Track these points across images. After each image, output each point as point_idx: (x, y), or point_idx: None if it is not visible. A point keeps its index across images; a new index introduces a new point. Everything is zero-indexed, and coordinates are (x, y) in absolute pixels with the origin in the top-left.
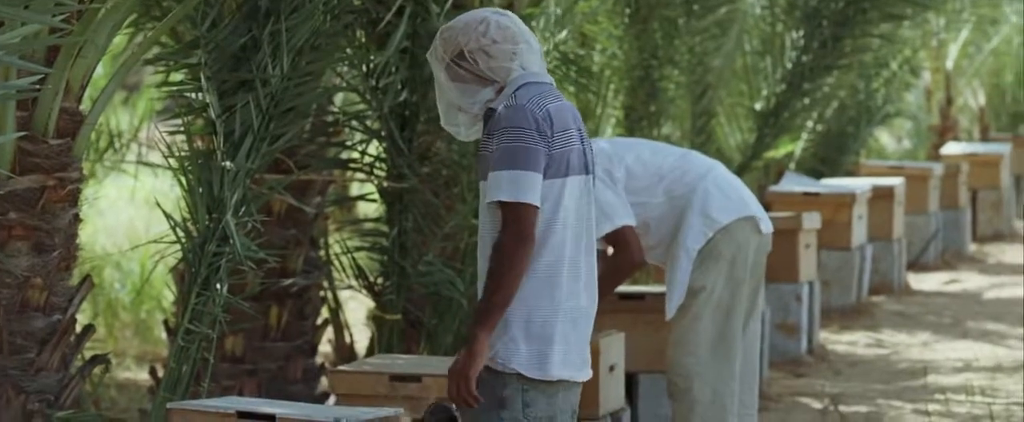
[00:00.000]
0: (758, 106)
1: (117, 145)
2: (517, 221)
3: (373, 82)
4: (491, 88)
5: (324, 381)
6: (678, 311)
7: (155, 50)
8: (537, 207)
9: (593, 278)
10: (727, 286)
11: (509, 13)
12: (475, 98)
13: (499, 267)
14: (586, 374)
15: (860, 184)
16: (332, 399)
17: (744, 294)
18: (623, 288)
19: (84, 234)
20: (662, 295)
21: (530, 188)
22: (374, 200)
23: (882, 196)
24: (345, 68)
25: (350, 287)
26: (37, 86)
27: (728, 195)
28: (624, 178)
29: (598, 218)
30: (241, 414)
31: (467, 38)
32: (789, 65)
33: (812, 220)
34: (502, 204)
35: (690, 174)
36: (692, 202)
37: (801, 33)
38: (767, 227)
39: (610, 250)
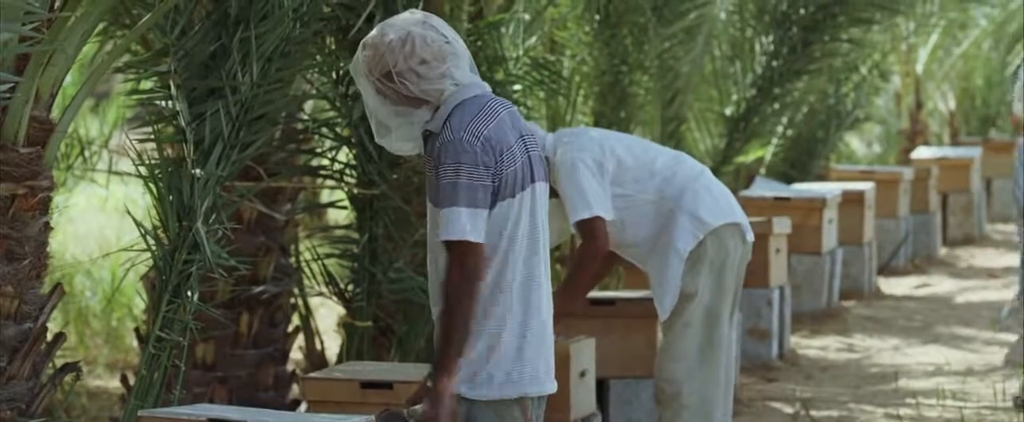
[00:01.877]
0: (728, 111)
1: (87, 153)
2: (461, 259)
3: (343, 89)
4: (425, 108)
5: (295, 388)
6: (669, 316)
7: (125, 58)
8: (481, 244)
9: (549, 287)
10: (716, 292)
11: (433, 20)
12: (410, 120)
13: (449, 312)
14: (552, 386)
15: (830, 189)
16: (303, 406)
17: (729, 302)
18: (594, 294)
19: (55, 242)
20: (634, 301)
21: (472, 226)
22: (344, 207)
23: (852, 201)
24: (315, 75)
25: (321, 294)
26: (7, 94)
27: (717, 199)
28: (614, 170)
29: (577, 204)
30: (212, 421)
31: (394, 59)
32: (759, 70)
33: (782, 225)
34: (446, 242)
35: (681, 175)
36: (681, 203)
37: (770, 38)
38: (750, 237)
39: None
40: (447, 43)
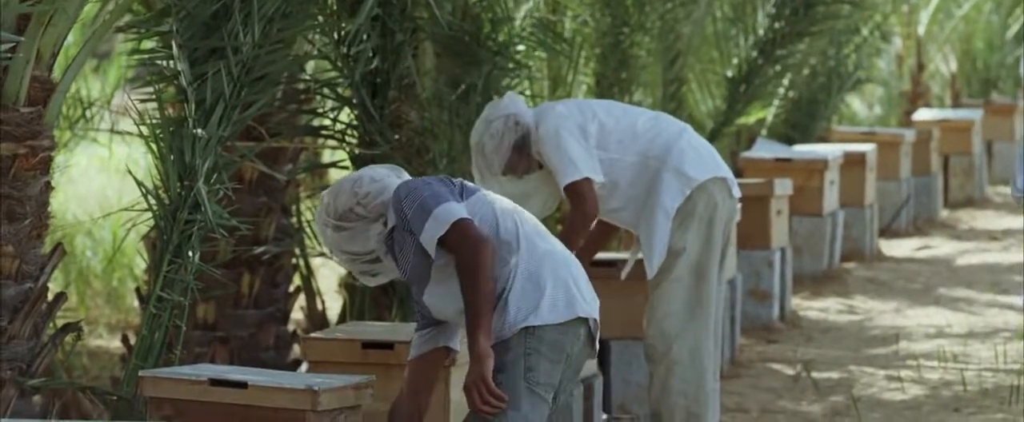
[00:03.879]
0: (729, 73)
1: (89, 113)
2: (462, 238)
3: (344, 49)
4: (379, 222)
5: (296, 348)
6: (657, 273)
7: (126, 18)
8: (469, 219)
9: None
10: (705, 247)
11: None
12: (367, 236)
13: (471, 277)
14: (582, 310)
15: (832, 150)
16: (304, 366)
17: (717, 256)
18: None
19: (55, 202)
20: (634, 262)
21: (449, 214)
22: (346, 167)
23: (854, 162)
24: (316, 36)
25: (322, 254)
26: (8, 54)
27: (702, 155)
28: (597, 133)
29: (566, 168)
30: (213, 381)
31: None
32: (760, 32)
33: (784, 186)
34: (442, 240)
35: (664, 134)
36: (667, 161)
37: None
38: (737, 191)
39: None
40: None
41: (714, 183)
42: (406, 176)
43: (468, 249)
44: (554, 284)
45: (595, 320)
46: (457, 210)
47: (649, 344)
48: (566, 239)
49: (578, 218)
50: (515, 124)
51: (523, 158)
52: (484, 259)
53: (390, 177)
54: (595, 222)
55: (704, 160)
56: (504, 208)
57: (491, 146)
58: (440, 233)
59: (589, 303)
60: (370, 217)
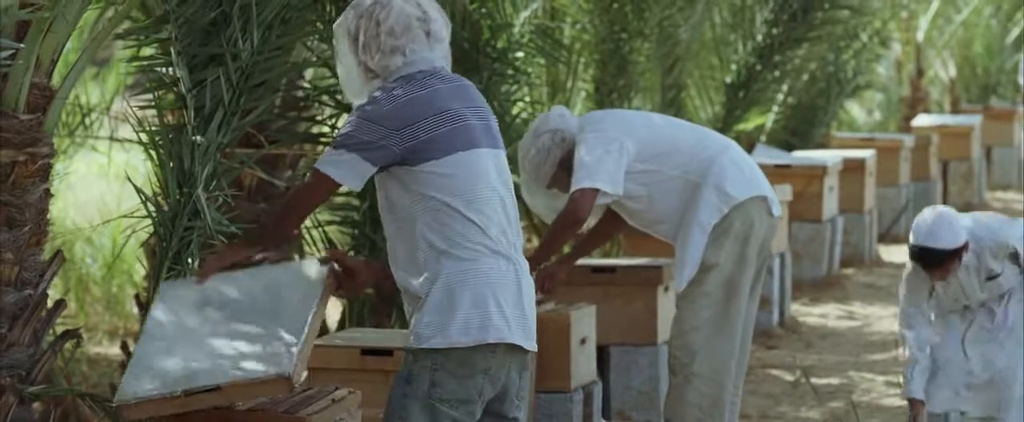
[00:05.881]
0: (728, 79)
1: (88, 120)
2: (306, 185)
3: None
4: (376, 82)
5: None
6: (687, 286)
7: (125, 25)
8: (330, 181)
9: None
10: (737, 264)
11: None
12: (362, 93)
13: (284, 208)
14: (494, 335)
15: (831, 156)
16: (304, 373)
17: (750, 274)
18: (595, 261)
19: (55, 209)
20: (634, 268)
21: (326, 162)
22: None
23: (853, 168)
24: (315, 42)
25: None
26: (8, 61)
27: (744, 172)
28: (637, 147)
29: (578, 175)
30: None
31: (367, 24)
32: (759, 37)
33: (783, 192)
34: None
35: (708, 150)
36: (707, 177)
37: (770, 5)
38: (777, 211)
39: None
40: (421, 20)
41: (753, 202)
42: (437, 68)
43: (297, 195)
44: (472, 303)
45: (513, 343)
46: (340, 165)
47: (672, 355)
48: (547, 240)
49: (563, 220)
50: (561, 140)
51: (567, 175)
52: (299, 207)
53: (425, 57)
54: (592, 226)
55: (746, 178)
56: (484, 195)
57: (538, 160)
58: (315, 165)
59: (508, 327)
60: (372, 68)
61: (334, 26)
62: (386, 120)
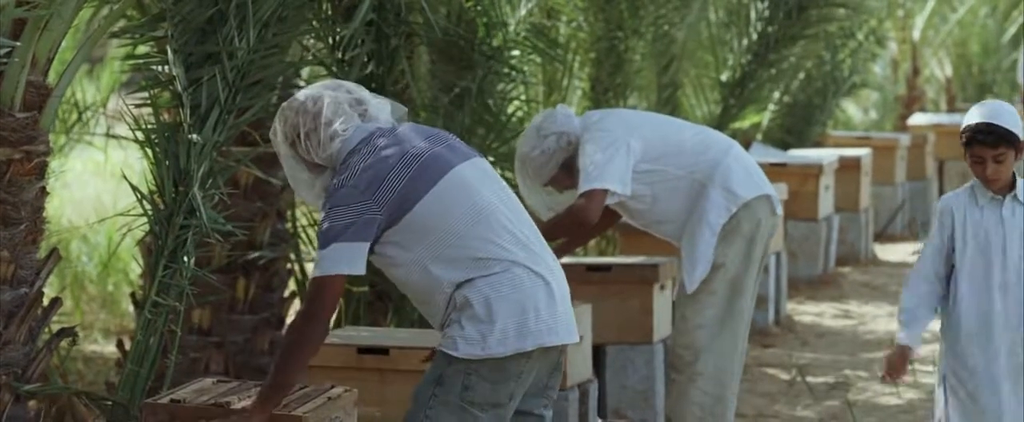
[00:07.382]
0: (724, 77)
1: (84, 118)
2: (315, 296)
3: (339, 54)
4: (327, 174)
5: None
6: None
7: (121, 23)
8: (339, 279)
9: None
10: (744, 263)
11: (347, 85)
12: (314, 184)
13: (289, 345)
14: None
15: (827, 155)
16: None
17: (755, 272)
18: (590, 259)
19: (51, 207)
20: (630, 266)
21: (330, 264)
22: None
23: (849, 167)
24: (311, 41)
25: None
26: (4, 59)
27: (749, 172)
28: (642, 147)
29: (585, 175)
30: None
31: (303, 119)
32: (754, 35)
33: (779, 191)
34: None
35: (712, 150)
36: (713, 177)
37: (766, 3)
38: (779, 209)
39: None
40: (353, 104)
41: (759, 201)
42: (375, 125)
43: (307, 313)
44: (508, 313)
45: (549, 345)
46: (340, 260)
47: (676, 353)
48: (547, 229)
49: (569, 220)
50: (567, 143)
51: (567, 176)
52: (311, 335)
53: (358, 124)
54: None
55: (751, 178)
56: (482, 207)
57: (541, 161)
58: (315, 274)
59: (546, 329)
60: (309, 160)
61: (271, 134)
62: (356, 195)
